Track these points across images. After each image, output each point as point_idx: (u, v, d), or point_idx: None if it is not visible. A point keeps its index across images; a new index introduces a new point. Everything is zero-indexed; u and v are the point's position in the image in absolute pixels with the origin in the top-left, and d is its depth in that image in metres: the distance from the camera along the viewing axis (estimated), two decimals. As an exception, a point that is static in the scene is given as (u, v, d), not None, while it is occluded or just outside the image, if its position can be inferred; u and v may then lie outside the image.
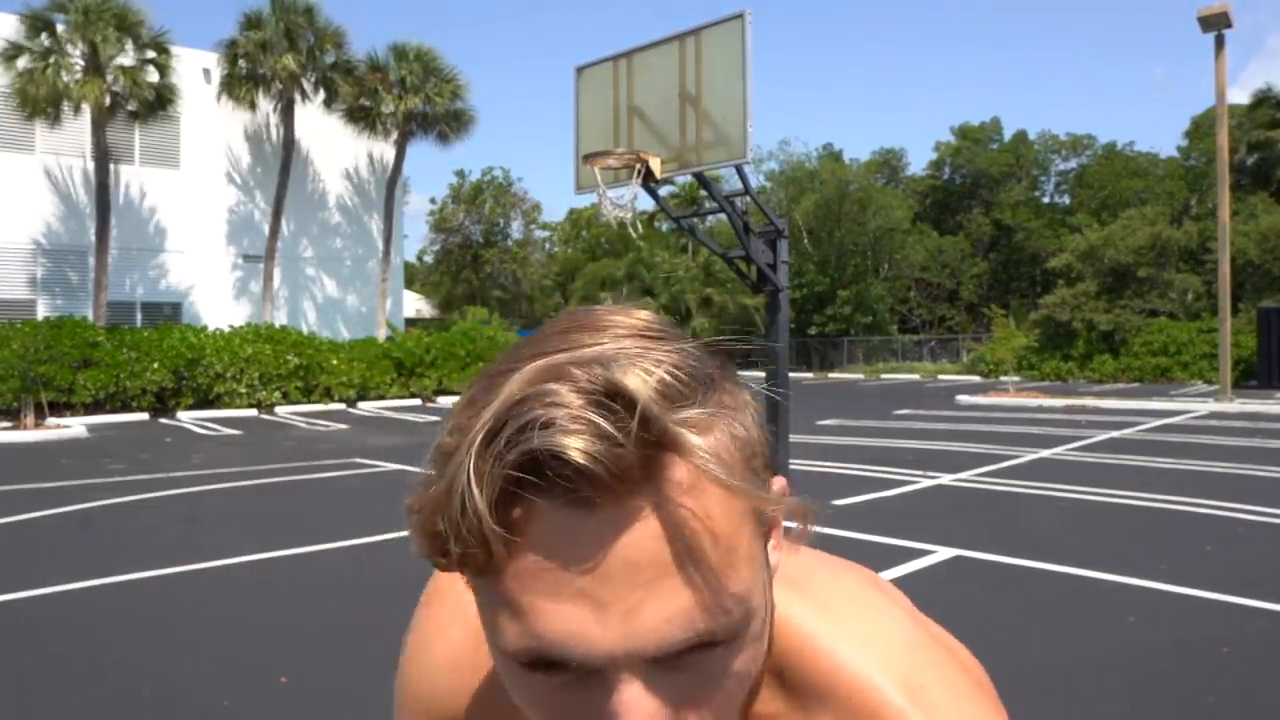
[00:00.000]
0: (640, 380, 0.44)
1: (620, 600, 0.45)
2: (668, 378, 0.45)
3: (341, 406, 20.99)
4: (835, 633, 0.59)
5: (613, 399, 0.43)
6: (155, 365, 18.66)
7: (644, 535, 0.44)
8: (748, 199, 8.25)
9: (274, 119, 23.96)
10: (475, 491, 0.44)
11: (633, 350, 0.46)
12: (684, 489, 0.45)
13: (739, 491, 0.46)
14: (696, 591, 0.45)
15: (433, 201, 45.48)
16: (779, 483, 0.54)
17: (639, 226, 7.89)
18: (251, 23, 21.98)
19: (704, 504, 0.45)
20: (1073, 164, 50.07)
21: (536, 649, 0.46)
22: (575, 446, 0.42)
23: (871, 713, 0.57)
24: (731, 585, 0.46)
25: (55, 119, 19.38)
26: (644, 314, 0.51)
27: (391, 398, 22.10)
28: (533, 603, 0.45)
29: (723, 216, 8.18)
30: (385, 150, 26.09)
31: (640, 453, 0.43)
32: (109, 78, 19.31)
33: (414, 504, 0.47)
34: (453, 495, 0.44)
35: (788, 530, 0.57)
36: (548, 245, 50.34)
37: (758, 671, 0.53)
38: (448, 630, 0.71)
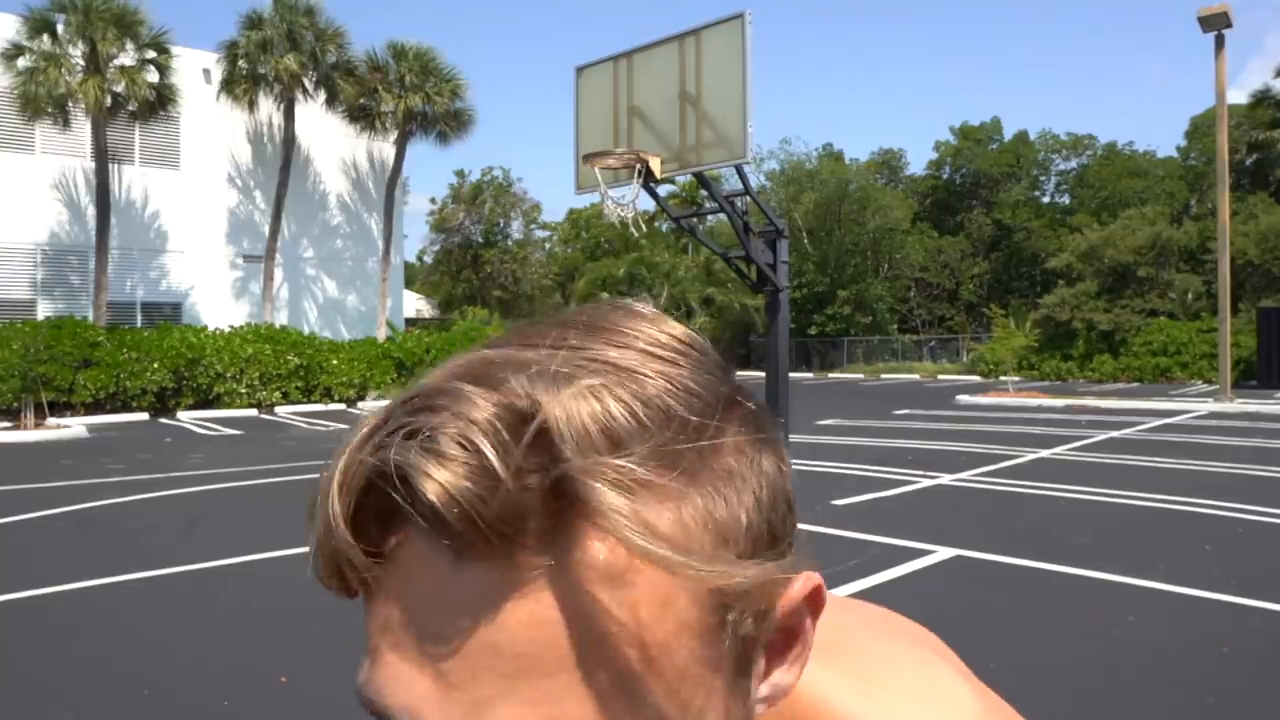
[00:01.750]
0: (573, 406, 0.32)
1: (468, 687, 0.33)
2: (619, 411, 0.33)
3: (341, 406, 21.00)
4: (881, 716, 0.47)
5: (523, 422, 0.32)
6: (155, 365, 18.66)
7: (520, 617, 0.33)
8: (748, 199, 8.26)
9: (274, 119, 23.96)
10: (331, 502, 0.35)
11: (604, 364, 0.35)
12: (593, 569, 0.33)
13: (687, 578, 0.33)
14: (574, 708, 0.33)
15: (433, 201, 45.51)
16: (809, 580, 0.39)
17: (642, 226, 7.89)
18: (252, 22, 21.98)
19: (620, 592, 0.33)
20: (1073, 164, 50.11)
21: (377, 708, 0.37)
22: (434, 476, 0.31)
23: None
24: (635, 712, 0.34)
25: (55, 119, 19.39)
26: (673, 328, 0.39)
27: (392, 398, 22.07)
28: (380, 649, 0.36)
29: (723, 216, 8.19)
30: (385, 150, 26.10)
31: (534, 507, 0.32)
32: (109, 78, 19.31)
33: (308, 496, 0.38)
34: (318, 498, 0.36)
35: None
36: (548, 245, 50.34)
37: None
38: None
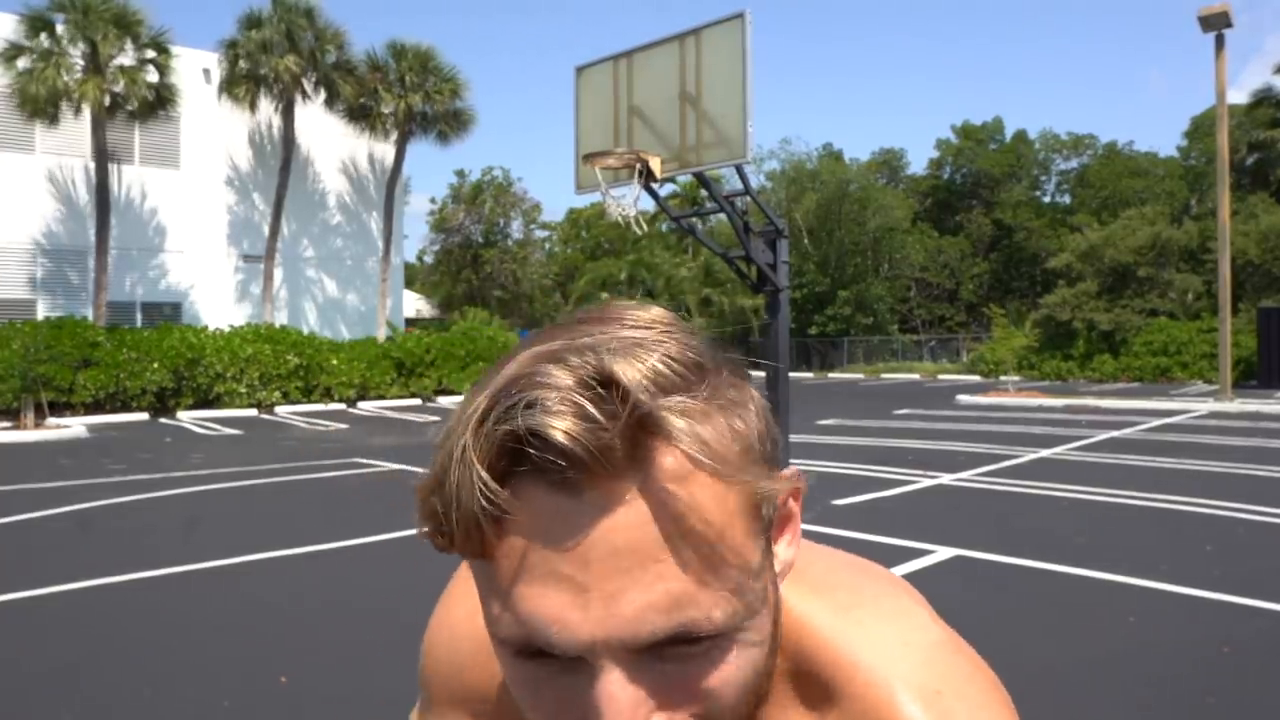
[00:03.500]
0: (631, 366, 0.44)
1: (601, 586, 0.44)
2: (661, 366, 0.45)
3: (341, 406, 20.99)
4: (853, 634, 0.58)
5: (602, 384, 0.43)
6: (155, 365, 18.66)
7: (627, 521, 0.44)
8: (748, 199, 8.26)
9: (274, 119, 23.96)
10: (465, 470, 0.44)
11: (631, 339, 0.47)
12: (671, 476, 0.44)
13: (729, 480, 0.45)
14: (680, 581, 0.44)
15: (433, 201, 45.49)
16: (792, 473, 0.53)
17: (643, 225, 7.87)
18: (252, 22, 21.99)
19: (691, 492, 0.45)
20: (1073, 164, 50.12)
21: (521, 636, 0.46)
22: (558, 427, 0.42)
23: (884, 716, 0.55)
24: (720, 578, 0.46)
25: (55, 119, 19.38)
26: (656, 310, 0.52)
27: (392, 398, 22.10)
28: (517, 588, 0.45)
29: (723, 216, 8.18)
30: (385, 150, 26.09)
31: (625, 437, 0.43)
32: (109, 78, 19.31)
33: (419, 485, 0.48)
34: (447, 474, 0.45)
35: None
36: (548, 245, 50.31)
37: (762, 675, 0.52)
38: (473, 596, 0.72)
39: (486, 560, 0.46)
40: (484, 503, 0.44)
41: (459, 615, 0.71)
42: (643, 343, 0.47)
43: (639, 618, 0.44)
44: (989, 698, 0.57)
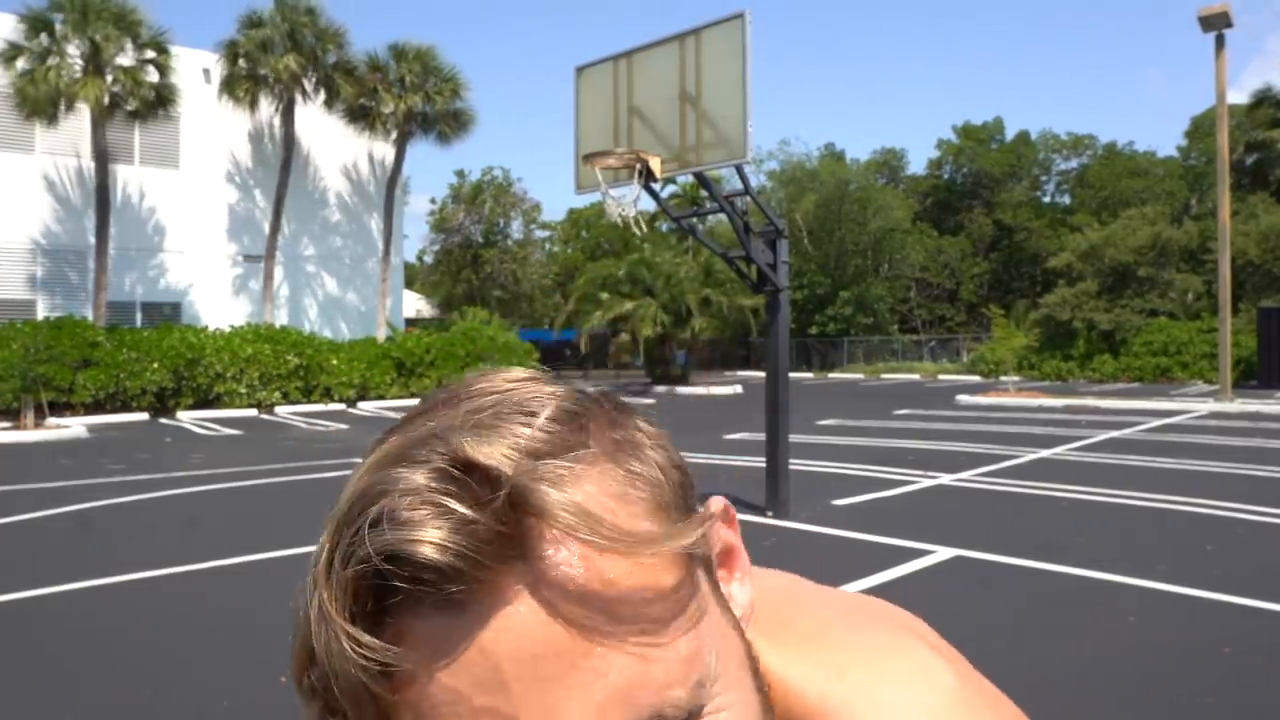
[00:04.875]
0: (488, 441, 0.38)
1: (533, 708, 0.36)
2: (524, 430, 0.39)
3: (341, 406, 20.99)
4: (851, 701, 0.49)
5: (462, 471, 0.37)
6: (155, 365, 18.66)
7: (535, 621, 0.36)
8: (748, 199, 8.25)
9: (274, 119, 23.96)
10: (329, 629, 0.37)
11: (484, 408, 0.40)
12: (565, 558, 0.37)
13: (628, 545, 0.38)
14: (623, 667, 0.37)
15: (433, 201, 45.47)
16: (716, 503, 0.46)
17: (643, 226, 7.87)
18: (253, 22, 21.98)
19: (597, 567, 0.37)
20: (1074, 164, 50.10)
21: None
22: (421, 539, 0.35)
23: None
24: (666, 648, 0.38)
25: (54, 119, 19.38)
26: (513, 370, 0.45)
27: (391, 398, 22.10)
28: None
29: (723, 216, 8.18)
30: (385, 150, 26.08)
31: (502, 523, 0.36)
32: (109, 77, 19.31)
33: (292, 657, 0.41)
34: (316, 639, 0.38)
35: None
36: (548, 245, 50.30)
37: None
38: None
39: None
40: (361, 662, 0.36)
41: None
42: (499, 410, 0.40)
43: None
44: None
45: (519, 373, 0.45)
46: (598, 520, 0.37)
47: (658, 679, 0.38)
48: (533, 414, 0.40)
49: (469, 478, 0.37)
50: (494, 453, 0.37)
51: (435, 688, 0.37)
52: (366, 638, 0.36)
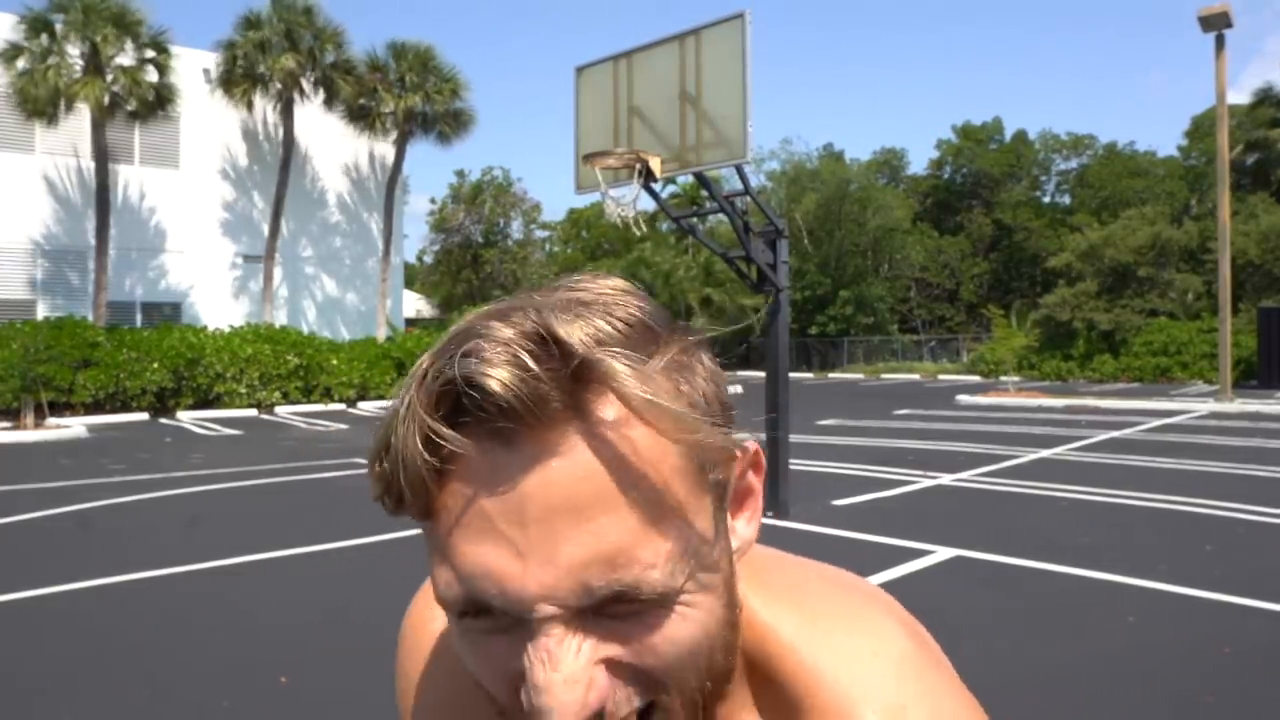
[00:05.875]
0: (573, 324, 0.44)
1: (539, 542, 0.43)
2: (604, 324, 0.45)
3: (341, 406, 20.99)
4: (819, 644, 0.55)
5: (543, 338, 0.43)
6: (155, 365, 18.65)
7: (564, 475, 0.43)
8: (748, 199, 8.24)
9: (273, 119, 23.96)
10: (410, 423, 0.44)
11: (577, 300, 0.47)
12: (609, 426, 0.44)
13: (668, 431, 0.44)
14: (618, 538, 0.44)
15: (433, 201, 45.44)
16: (750, 445, 0.51)
17: (643, 226, 7.87)
18: (251, 22, 21.97)
19: (630, 444, 0.44)
20: (1073, 164, 50.09)
21: (461, 594, 0.45)
22: (493, 375, 0.42)
23: None
24: (661, 536, 0.45)
25: (54, 119, 19.36)
26: (613, 279, 0.52)
27: (391, 398, 21.99)
28: (456, 545, 0.45)
29: (723, 216, 8.17)
30: (385, 150, 26.08)
31: (562, 389, 0.43)
32: (109, 78, 19.30)
33: (371, 449, 0.47)
34: (394, 431, 0.45)
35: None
36: (548, 245, 50.30)
37: (714, 656, 0.50)
38: None
39: (432, 520, 0.46)
40: (426, 454, 0.44)
41: (433, 607, 0.71)
42: (590, 304, 0.47)
43: (575, 575, 0.44)
44: (959, 714, 0.54)
45: (618, 282, 0.51)
46: (648, 400, 0.43)
47: (643, 558, 0.44)
48: (616, 316, 0.46)
49: (548, 346, 0.43)
50: (574, 332, 0.44)
51: (472, 499, 0.44)
52: (445, 429, 0.43)
